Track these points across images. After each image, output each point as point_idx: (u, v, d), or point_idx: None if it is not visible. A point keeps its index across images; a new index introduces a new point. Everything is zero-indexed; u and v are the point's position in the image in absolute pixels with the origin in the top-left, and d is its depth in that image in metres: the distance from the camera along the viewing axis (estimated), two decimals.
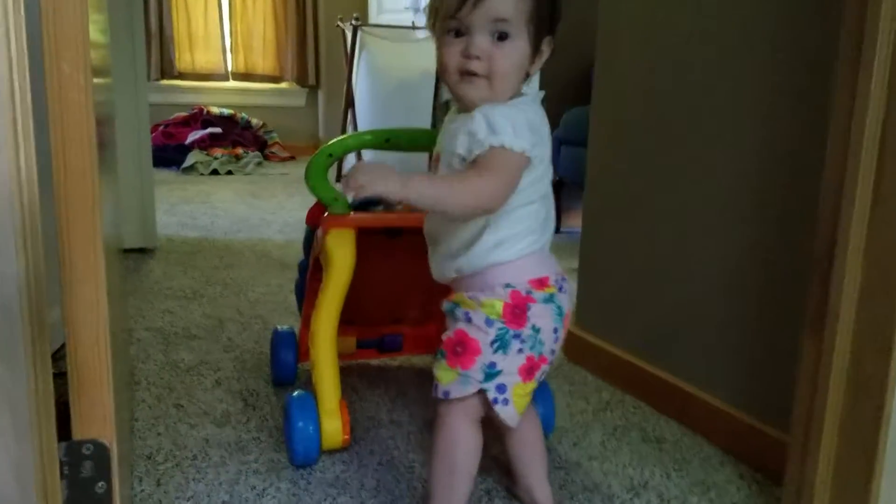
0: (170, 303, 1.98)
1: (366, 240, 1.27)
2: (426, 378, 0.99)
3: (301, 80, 5.35)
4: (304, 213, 1.37)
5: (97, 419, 0.74)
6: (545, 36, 0.92)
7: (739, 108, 1.26)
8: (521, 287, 0.92)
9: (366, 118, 4.04)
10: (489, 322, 0.92)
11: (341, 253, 1.21)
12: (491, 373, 0.92)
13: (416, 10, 4.23)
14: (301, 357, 1.48)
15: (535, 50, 0.91)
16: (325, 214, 1.25)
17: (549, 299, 0.93)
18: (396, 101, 3.97)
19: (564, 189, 3.08)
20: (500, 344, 0.92)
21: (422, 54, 4.01)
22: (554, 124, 3.23)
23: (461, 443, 0.95)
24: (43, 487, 0.64)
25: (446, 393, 0.94)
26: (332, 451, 1.20)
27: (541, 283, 0.93)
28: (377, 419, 1.35)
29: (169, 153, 4.57)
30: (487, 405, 0.94)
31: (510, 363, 0.92)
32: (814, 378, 0.95)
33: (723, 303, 1.31)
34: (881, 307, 0.86)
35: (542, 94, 0.97)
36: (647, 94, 1.47)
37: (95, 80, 1.00)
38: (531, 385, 0.95)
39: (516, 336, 0.92)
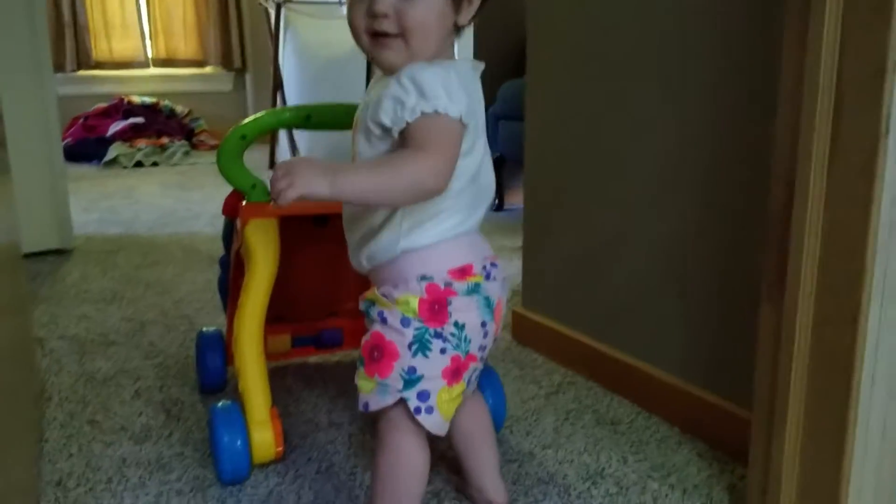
0: (86, 307, 1.83)
1: (290, 228, 1.16)
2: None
3: (226, 63, 5.11)
4: None
5: None
6: None
7: (682, 75, 1.19)
8: (440, 279, 0.81)
9: (296, 99, 3.88)
10: (405, 321, 0.81)
11: (263, 245, 1.10)
12: (411, 379, 0.81)
13: None
14: (229, 360, 1.36)
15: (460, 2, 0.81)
16: (244, 204, 1.13)
17: (474, 290, 0.82)
18: (327, 79, 3.81)
19: (506, 166, 3.00)
20: (420, 346, 0.81)
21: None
22: (490, 99, 3.17)
23: (404, 464, 0.85)
24: None
25: (366, 405, 0.84)
26: (264, 464, 1.09)
27: (463, 272, 0.82)
28: (315, 422, 1.25)
29: (90, 147, 4.31)
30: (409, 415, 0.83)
31: (432, 366, 0.81)
32: (775, 350, 0.89)
33: (673, 276, 1.25)
34: (844, 270, 0.80)
35: (480, 65, 0.86)
36: (584, 63, 1.39)
37: None
38: (459, 387, 0.84)
39: (437, 335, 0.81)
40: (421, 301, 0.81)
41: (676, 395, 1.24)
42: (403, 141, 0.78)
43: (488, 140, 0.87)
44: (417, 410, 0.82)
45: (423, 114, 0.75)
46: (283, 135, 4.03)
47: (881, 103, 0.75)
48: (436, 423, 0.83)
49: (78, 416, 1.27)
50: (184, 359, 1.51)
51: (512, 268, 1.78)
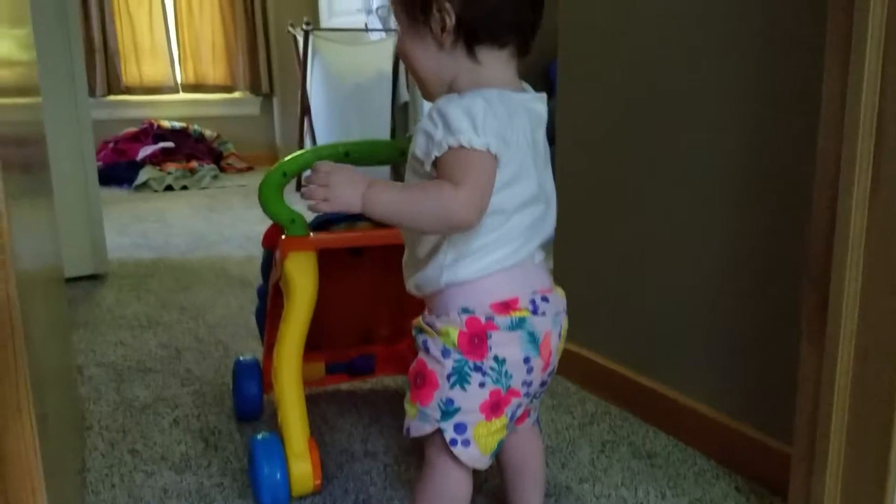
0: (123, 333, 1.86)
1: (327, 259, 1.18)
2: (400, 401, 0.89)
3: (254, 88, 5.20)
4: (264, 226, 1.27)
5: None
6: (441, 2, 0.79)
7: (718, 105, 1.19)
8: (481, 312, 0.81)
9: (323, 125, 3.93)
10: (445, 352, 0.82)
11: (302, 278, 1.12)
12: (448, 410, 0.82)
13: (369, 12, 4.12)
14: (266, 388, 1.38)
15: (425, 21, 0.80)
16: (283, 237, 1.15)
17: (518, 325, 0.81)
18: (353, 105, 3.87)
19: None
20: (458, 378, 0.81)
21: (376, 56, 3.92)
22: None
23: (446, 491, 0.86)
24: None
25: (408, 430, 0.85)
26: (303, 496, 1.10)
27: (506, 306, 0.81)
28: (350, 451, 1.26)
29: (120, 171, 4.40)
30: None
31: (470, 400, 0.82)
32: (816, 386, 0.89)
33: (712, 308, 1.24)
34: (885, 306, 0.80)
35: (524, 91, 0.84)
36: (614, 86, 1.40)
37: (15, 100, 0.89)
38: (499, 422, 0.84)
39: (476, 368, 0.81)
40: (461, 334, 0.81)
41: (712, 426, 1.24)
42: (438, 174, 0.78)
43: None
44: (454, 442, 0.83)
45: (450, 147, 0.76)
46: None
47: None
48: (472, 457, 0.84)
49: (118, 445, 1.29)
50: (220, 385, 1.53)
51: None
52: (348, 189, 0.77)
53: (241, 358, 1.40)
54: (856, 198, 0.80)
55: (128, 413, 1.41)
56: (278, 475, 1.05)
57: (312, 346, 1.32)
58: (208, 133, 4.93)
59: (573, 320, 1.48)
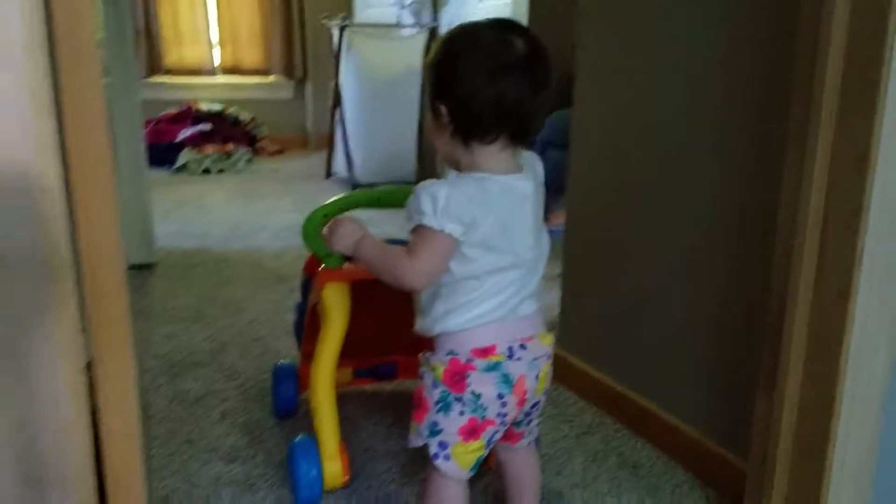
0: (173, 326, 2.07)
1: (357, 284, 1.36)
2: None
3: (288, 72, 5.36)
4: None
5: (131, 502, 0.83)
6: (437, 100, 0.98)
7: (715, 150, 1.35)
8: (462, 355, 0.99)
9: (353, 116, 4.09)
10: (435, 384, 1.01)
11: (338, 306, 1.30)
12: (433, 430, 1.01)
13: (402, 6, 4.25)
14: (302, 389, 1.58)
15: (435, 112, 0.99)
16: (321, 268, 1.33)
17: (493, 367, 0.99)
18: (383, 98, 4.02)
19: (549, 192, 3.15)
20: (443, 405, 1.00)
21: (407, 51, 4.05)
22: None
23: (445, 500, 1.05)
24: None
25: (407, 441, 1.06)
26: (333, 490, 1.30)
27: (485, 352, 0.99)
28: (373, 450, 1.46)
29: (161, 152, 4.60)
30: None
31: (451, 424, 1.00)
32: (766, 431, 1.06)
33: (698, 339, 1.41)
34: (822, 372, 0.96)
35: (526, 175, 1.00)
36: (630, 99, 1.55)
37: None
38: (476, 444, 1.01)
39: (457, 399, 1.00)
40: (445, 371, 1.00)
41: (692, 444, 1.41)
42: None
43: None
44: (436, 456, 1.02)
45: (416, 224, 0.95)
46: (339, 145, 4.25)
47: (856, 237, 0.91)
48: (451, 469, 1.02)
49: (176, 434, 1.50)
50: (260, 382, 1.73)
51: (550, 298, 1.90)
52: (346, 240, 1.06)
53: (280, 363, 1.60)
54: (801, 288, 0.96)
55: (182, 405, 1.62)
56: (314, 472, 1.25)
57: (342, 354, 1.51)
58: (243, 116, 5.11)
59: (580, 339, 1.66)
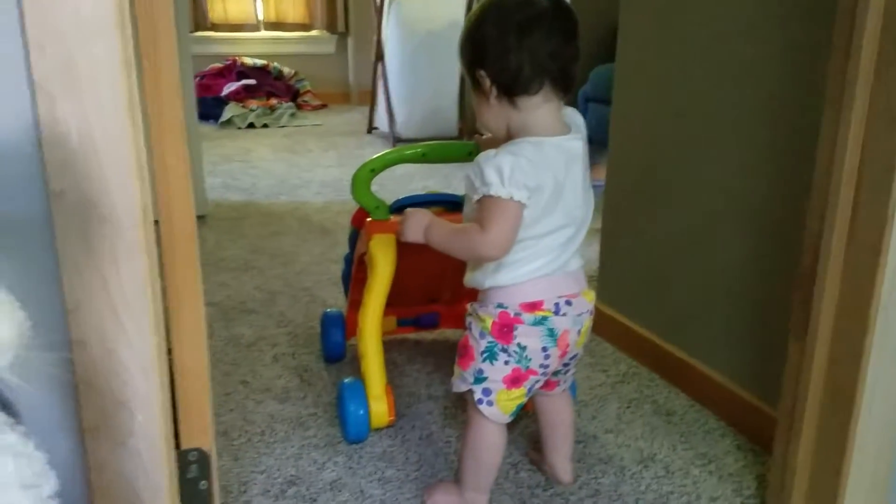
0: (225, 275, 2.17)
1: None
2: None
3: (331, 26, 5.39)
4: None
5: (199, 430, 0.92)
6: (476, 69, 1.02)
7: (747, 121, 1.36)
8: (511, 309, 1.04)
9: (395, 71, 4.12)
10: (482, 334, 1.07)
11: (384, 256, 1.36)
12: (479, 378, 1.07)
13: None
14: (348, 335, 1.66)
15: (477, 84, 1.03)
16: (368, 220, 1.40)
17: (540, 322, 1.04)
18: (424, 53, 4.03)
19: (591, 146, 3.16)
20: (489, 355, 1.06)
21: (450, 4, 4.04)
22: (581, 80, 3.31)
23: (486, 442, 1.12)
24: (166, 486, 0.82)
25: (452, 386, 1.12)
26: (379, 428, 1.38)
27: (533, 306, 1.04)
28: (416, 394, 1.54)
29: (207, 106, 4.70)
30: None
31: (496, 372, 1.06)
32: (796, 379, 1.10)
33: (731, 292, 1.44)
34: (853, 324, 0.99)
35: (570, 137, 1.03)
36: (672, 55, 1.57)
37: None
38: (518, 392, 1.07)
39: (503, 350, 1.05)
40: (493, 323, 1.06)
41: (724, 392, 1.45)
42: (477, 212, 1.01)
43: None
44: (480, 402, 1.08)
45: (484, 195, 0.98)
46: (381, 100, 4.29)
47: (890, 192, 0.93)
48: (494, 414, 1.08)
49: (231, 375, 1.60)
50: (308, 329, 1.82)
51: (590, 252, 1.93)
52: (416, 229, 1.11)
53: (328, 310, 1.68)
54: (836, 236, 0.99)
55: (236, 348, 1.72)
56: (361, 412, 1.33)
57: (387, 303, 1.58)
58: (286, 70, 5.17)
59: (617, 291, 1.70)
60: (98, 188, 0.61)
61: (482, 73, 1.02)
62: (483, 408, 1.08)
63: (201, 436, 0.91)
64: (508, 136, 1.04)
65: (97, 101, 0.60)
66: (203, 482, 0.92)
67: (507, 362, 1.06)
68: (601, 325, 1.81)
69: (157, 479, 0.72)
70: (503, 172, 0.96)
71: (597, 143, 3.14)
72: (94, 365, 0.65)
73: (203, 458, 0.91)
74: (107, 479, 0.71)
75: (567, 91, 1.04)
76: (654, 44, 1.61)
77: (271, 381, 1.58)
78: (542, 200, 1.00)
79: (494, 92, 1.02)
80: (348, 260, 1.61)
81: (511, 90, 1.01)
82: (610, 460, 1.32)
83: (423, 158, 1.38)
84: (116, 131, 0.60)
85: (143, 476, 0.72)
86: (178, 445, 0.91)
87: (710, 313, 1.50)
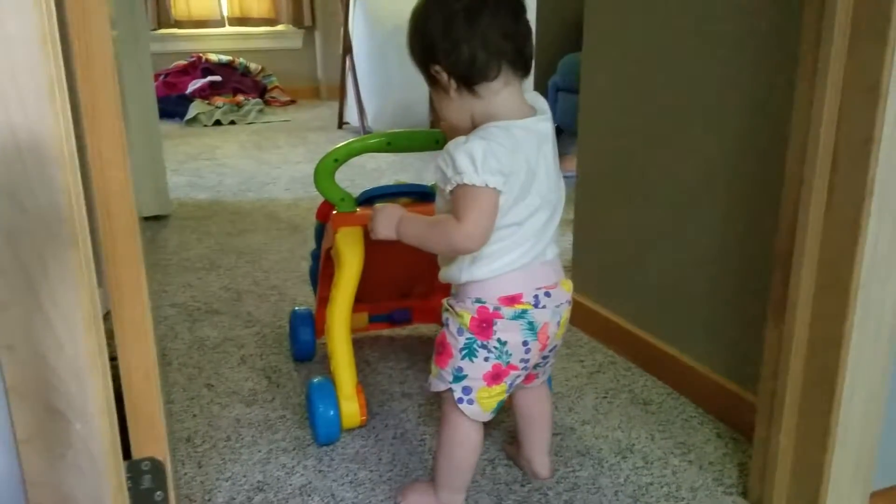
0: (189, 276, 2.10)
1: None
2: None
3: (297, 21, 5.31)
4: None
5: (151, 438, 0.86)
6: (430, 66, 0.98)
7: (717, 110, 1.33)
8: (490, 303, 0.99)
9: (364, 64, 4.06)
10: (460, 331, 1.02)
11: (351, 249, 1.31)
12: (458, 376, 1.03)
13: None
14: (318, 334, 1.60)
15: (433, 80, 0.99)
16: (334, 213, 1.34)
17: (520, 315, 1.00)
18: (394, 45, 3.96)
19: (562, 136, 3.13)
20: (468, 352, 1.01)
21: None
22: (551, 71, 3.27)
23: (462, 442, 1.07)
24: (112, 500, 0.77)
25: (429, 385, 1.07)
26: (351, 429, 1.33)
27: (512, 300, 0.99)
28: (389, 392, 1.49)
29: (171, 104, 4.60)
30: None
31: (476, 370, 1.02)
32: (776, 363, 1.07)
33: (706, 277, 1.41)
34: (833, 304, 0.97)
35: (538, 118, 0.99)
36: (639, 41, 1.53)
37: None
38: (499, 388, 1.03)
39: (483, 346, 1.01)
40: (472, 319, 1.01)
41: (702, 380, 1.43)
42: (452, 203, 0.96)
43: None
44: (460, 400, 1.04)
45: (457, 185, 0.93)
46: (351, 96, 4.22)
47: (868, 166, 0.90)
48: (474, 412, 1.04)
49: (196, 379, 1.54)
50: (277, 328, 1.76)
51: (564, 241, 1.91)
52: (387, 224, 1.04)
53: (297, 308, 1.62)
54: (812, 213, 0.96)
55: (201, 351, 1.66)
56: (331, 412, 1.28)
57: (357, 299, 1.53)
58: (253, 66, 5.08)
59: (591, 281, 1.67)
60: (18, 180, 0.55)
61: (437, 68, 0.97)
62: (463, 406, 1.04)
63: (154, 444, 0.86)
64: (474, 128, 0.99)
65: (14, 83, 0.55)
66: (159, 493, 0.87)
67: (487, 359, 1.02)
68: (577, 315, 1.76)
69: (101, 494, 0.67)
70: (476, 159, 0.91)
71: (568, 133, 3.14)
72: (23, 371, 0.59)
73: (157, 468, 0.86)
74: (45, 496, 0.66)
75: (526, 71, 1.00)
76: (619, 31, 1.57)
77: (238, 383, 1.52)
78: (517, 185, 0.96)
79: (454, 84, 0.98)
80: (315, 256, 1.56)
81: (469, 79, 0.97)
82: (588, 452, 1.29)
83: (387, 147, 1.33)
84: (36, 116, 0.55)
85: (85, 490, 0.67)
86: (130, 455, 0.86)
87: (687, 300, 1.47)
